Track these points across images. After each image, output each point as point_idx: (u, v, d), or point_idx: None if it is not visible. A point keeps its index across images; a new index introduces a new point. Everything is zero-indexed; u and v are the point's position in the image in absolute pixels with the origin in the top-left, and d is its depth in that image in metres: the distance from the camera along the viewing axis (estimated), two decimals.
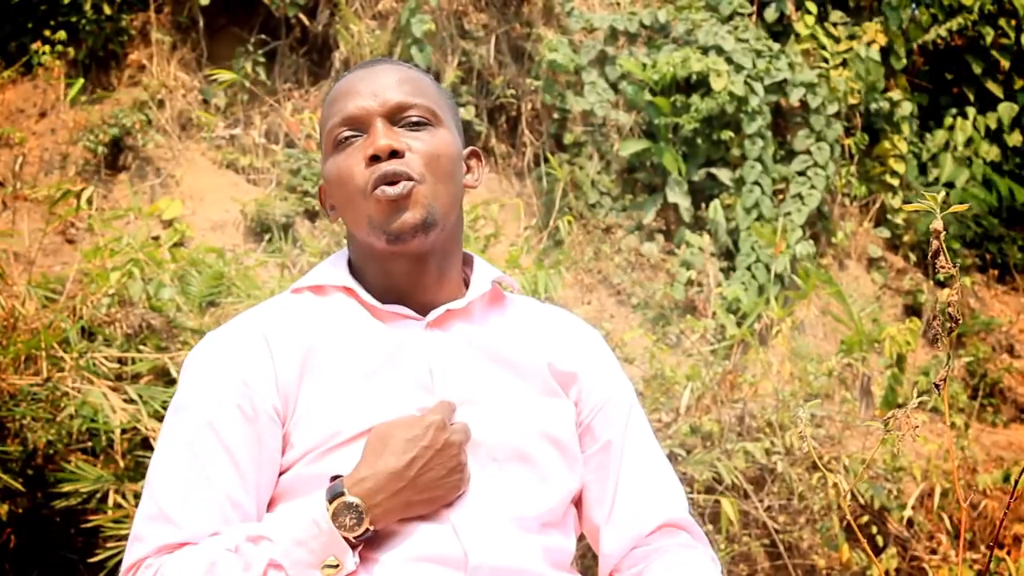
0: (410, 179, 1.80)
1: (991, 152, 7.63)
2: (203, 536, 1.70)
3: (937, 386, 1.99)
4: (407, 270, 1.84)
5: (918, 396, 1.94)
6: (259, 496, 1.76)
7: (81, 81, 5.91)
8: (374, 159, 1.80)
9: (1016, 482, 1.97)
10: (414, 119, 1.83)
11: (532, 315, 1.96)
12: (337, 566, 1.67)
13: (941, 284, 7.07)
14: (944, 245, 1.83)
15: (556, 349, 1.92)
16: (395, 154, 1.80)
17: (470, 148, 1.95)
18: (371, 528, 1.69)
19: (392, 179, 1.79)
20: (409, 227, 1.79)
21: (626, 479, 1.91)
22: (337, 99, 1.86)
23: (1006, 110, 7.70)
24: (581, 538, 1.96)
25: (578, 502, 1.93)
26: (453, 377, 1.82)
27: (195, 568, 1.66)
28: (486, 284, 1.90)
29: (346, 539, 1.68)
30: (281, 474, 1.78)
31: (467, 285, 1.92)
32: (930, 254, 1.92)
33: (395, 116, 1.83)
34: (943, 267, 1.90)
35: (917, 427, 1.97)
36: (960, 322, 1.94)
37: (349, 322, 1.84)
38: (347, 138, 1.83)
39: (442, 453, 1.72)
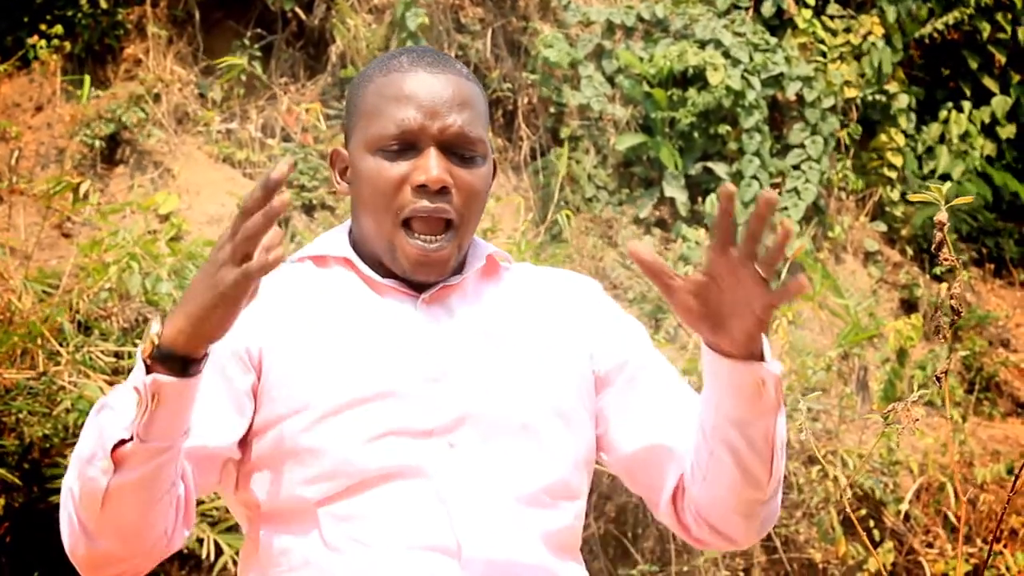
0: (448, 222, 1.78)
1: (987, 146, 7.63)
2: None
3: (938, 379, 1.99)
4: None
5: (918, 390, 1.95)
6: (217, 421, 1.73)
7: (88, 79, 5.90)
8: (422, 188, 1.77)
9: (1016, 477, 1.97)
10: (467, 154, 1.80)
11: (528, 281, 1.93)
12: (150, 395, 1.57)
13: (938, 278, 7.06)
14: (948, 237, 1.83)
15: (555, 311, 1.90)
16: (443, 189, 1.78)
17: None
18: (158, 340, 1.57)
19: (432, 216, 1.77)
20: (433, 276, 1.81)
21: (658, 397, 1.86)
22: (395, 98, 1.80)
23: (1000, 103, 7.70)
24: (586, 527, 1.93)
25: (615, 449, 1.87)
26: (447, 352, 1.81)
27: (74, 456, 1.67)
28: (481, 260, 1.89)
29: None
30: (258, 434, 1.76)
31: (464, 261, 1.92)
32: (934, 246, 1.92)
33: (448, 145, 1.79)
34: (947, 259, 1.90)
35: (916, 420, 1.97)
36: (962, 314, 1.94)
37: (344, 292, 1.83)
38: (394, 149, 1.80)
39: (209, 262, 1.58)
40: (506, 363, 1.82)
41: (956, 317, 1.98)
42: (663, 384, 1.87)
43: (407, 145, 1.79)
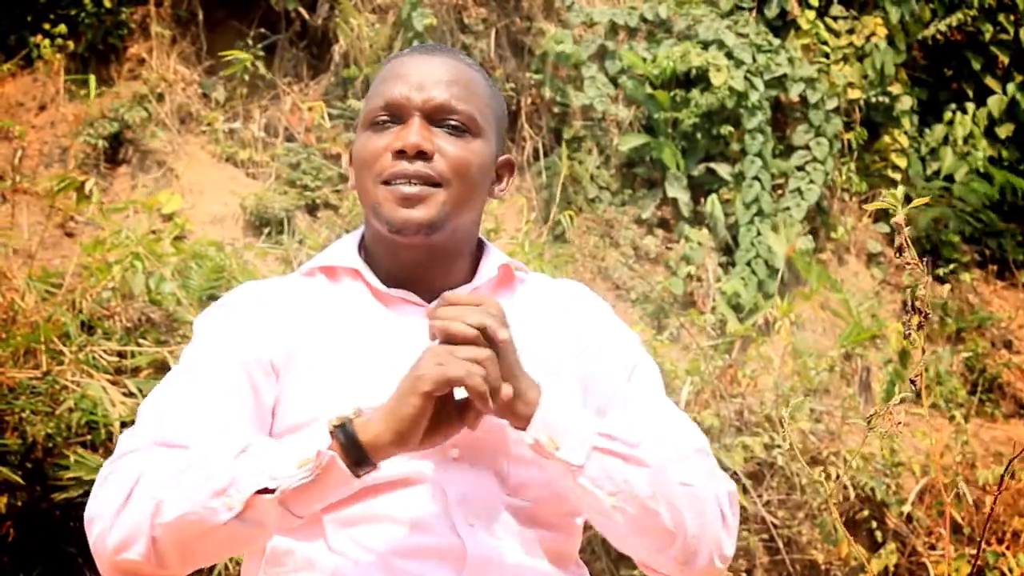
0: (430, 182, 1.79)
1: (990, 147, 7.63)
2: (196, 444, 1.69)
3: (913, 382, 1.99)
4: (413, 258, 1.84)
5: (903, 393, 1.94)
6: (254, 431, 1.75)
7: (92, 79, 5.90)
8: (400, 153, 1.79)
9: (1003, 476, 1.97)
10: (453, 123, 1.82)
11: (541, 296, 1.94)
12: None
13: (940, 279, 7.06)
14: (908, 240, 1.83)
15: (562, 329, 1.90)
16: (422, 154, 1.79)
17: (505, 157, 1.93)
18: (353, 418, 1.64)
19: (411, 178, 1.79)
20: (414, 224, 1.79)
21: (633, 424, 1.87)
22: (387, 78, 1.85)
23: (996, 102, 7.70)
24: (587, 527, 1.93)
25: None
26: None
27: (172, 465, 1.65)
28: (493, 270, 1.90)
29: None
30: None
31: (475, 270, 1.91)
32: (895, 249, 1.92)
33: (435, 116, 1.82)
34: (908, 262, 1.90)
35: (900, 423, 1.97)
36: (929, 316, 1.94)
37: (353, 306, 1.84)
38: (383, 122, 1.83)
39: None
40: None
41: (924, 320, 1.98)
42: (643, 419, 1.86)
43: (394, 117, 1.82)
